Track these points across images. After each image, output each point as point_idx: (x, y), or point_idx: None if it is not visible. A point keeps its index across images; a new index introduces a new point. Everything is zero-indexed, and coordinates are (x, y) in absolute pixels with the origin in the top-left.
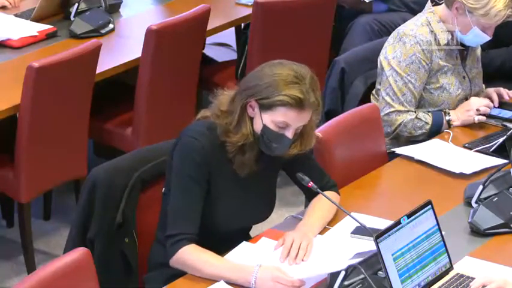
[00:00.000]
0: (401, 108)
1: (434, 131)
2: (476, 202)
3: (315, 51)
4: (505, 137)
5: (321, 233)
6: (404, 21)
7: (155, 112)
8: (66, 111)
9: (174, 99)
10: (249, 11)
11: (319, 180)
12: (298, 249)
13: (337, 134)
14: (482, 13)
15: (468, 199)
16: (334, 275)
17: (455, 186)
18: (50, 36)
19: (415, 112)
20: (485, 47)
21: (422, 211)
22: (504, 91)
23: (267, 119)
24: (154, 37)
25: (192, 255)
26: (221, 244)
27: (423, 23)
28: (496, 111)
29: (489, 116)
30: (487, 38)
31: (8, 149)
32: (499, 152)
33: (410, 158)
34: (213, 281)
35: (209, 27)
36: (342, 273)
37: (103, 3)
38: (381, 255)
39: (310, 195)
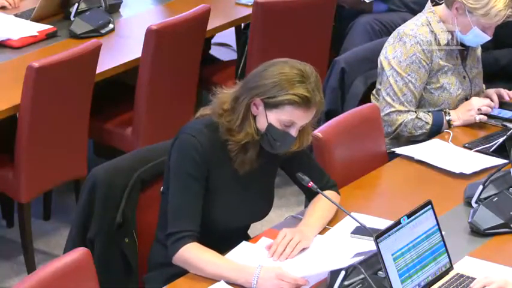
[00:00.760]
0: (401, 108)
1: (435, 131)
2: (476, 202)
3: (315, 51)
4: (505, 137)
5: (321, 233)
6: (405, 21)
7: (155, 112)
8: (66, 111)
9: (174, 99)
10: (249, 11)
11: (319, 180)
12: (286, 245)
13: (337, 134)
14: (482, 13)
15: (468, 199)
16: (334, 275)
17: (455, 186)
18: (50, 36)
19: (415, 112)
20: (488, 46)
21: (422, 211)
22: (504, 91)
23: (273, 118)
24: (154, 37)
25: (193, 254)
26: (220, 242)
27: (423, 23)
28: (496, 111)
29: (489, 116)
30: (487, 38)
31: (8, 149)
32: (499, 152)
33: (410, 158)
34: (214, 280)
35: (209, 27)
36: (342, 273)
37: (103, 3)
38: (381, 255)
39: (310, 195)
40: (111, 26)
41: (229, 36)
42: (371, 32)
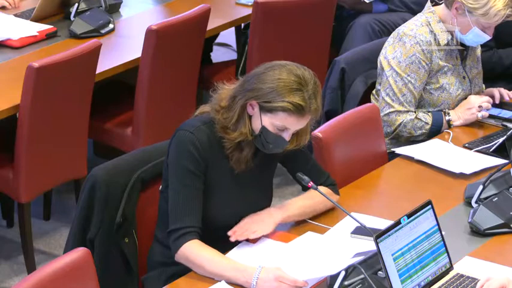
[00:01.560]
0: (401, 108)
1: (434, 131)
2: (476, 202)
3: (315, 51)
4: (505, 137)
5: (321, 233)
6: (405, 21)
7: (155, 112)
8: (66, 111)
9: (174, 99)
10: (249, 11)
11: (318, 178)
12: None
13: (337, 134)
14: (481, 13)
15: (468, 199)
16: (334, 275)
17: (455, 186)
18: (50, 36)
19: (415, 112)
20: (491, 46)
21: (422, 211)
22: (504, 91)
23: (267, 121)
24: (154, 37)
25: (195, 251)
26: (218, 240)
27: (423, 23)
28: (496, 111)
29: (489, 116)
30: (486, 37)
31: (8, 149)
32: (499, 152)
33: (410, 158)
34: (214, 280)
35: (209, 27)
36: (342, 273)
37: (103, 3)
38: (381, 255)
39: None
40: (111, 26)
41: (229, 36)
42: (371, 32)
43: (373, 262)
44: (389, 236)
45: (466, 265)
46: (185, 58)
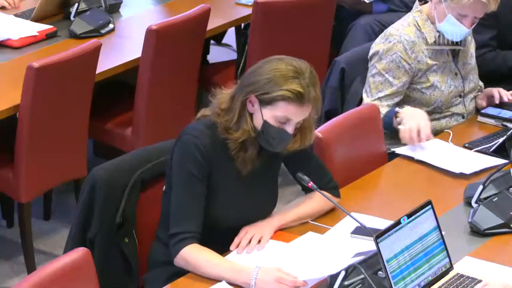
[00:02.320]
0: (374, 103)
1: (387, 123)
2: (476, 202)
3: (315, 51)
4: (505, 137)
5: (322, 233)
6: None
7: (155, 112)
8: (66, 111)
9: (174, 99)
10: (249, 11)
11: (320, 179)
12: (250, 239)
13: (337, 134)
14: None
15: (468, 199)
16: (334, 275)
17: (455, 186)
18: (50, 36)
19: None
20: (495, 47)
21: (422, 211)
22: (504, 92)
23: (268, 114)
24: (154, 37)
25: (194, 255)
26: (223, 242)
27: (410, 23)
28: (496, 111)
29: (489, 116)
30: (464, 28)
31: (8, 149)
32: (499, 152)
33: (410, 158)
34: (215, 280)
35: (209, 27)
36: (342, 273)
37: (103, 3)
38: (381, 255)
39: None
40: (111, 26)
41: (229, 36)
42: (371, 32)
43: (373, 262)
44: (389, 236)
45: (466, 265)
46: (185, 58)
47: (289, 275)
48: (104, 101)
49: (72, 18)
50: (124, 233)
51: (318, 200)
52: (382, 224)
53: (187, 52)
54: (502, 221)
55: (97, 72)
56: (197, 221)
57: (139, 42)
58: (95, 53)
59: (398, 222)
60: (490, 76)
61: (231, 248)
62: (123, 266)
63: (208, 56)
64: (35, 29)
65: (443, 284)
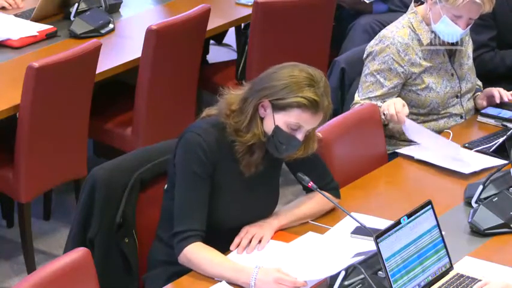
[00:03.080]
0: (362, 102)
1: None
2: (476, 202)
3: (315, 51)
4: (505, 137)
5: (322, 233)
6: None
7: (155, 112)
8: (66, 111)
9: (174, 99)
10: (249, 11)
11: (320, 179)
12: (251, 239)
13: (337, 134)
14: None
15: (468, 199)
16: (334, 275)
17: (455, 186)
18: (50, 36)
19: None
20: (493, 47)
21: (422, 211)
22: (504, 92)
23: (280, 120)
24: (154, 37)
25: (196, 254)
26: (225, 242)
27: (404, 25)
28: (496, 111)
29: (489, 116)
30: (458, 29)
31: (8, 149)
32: (499, 152)
33: (410, 158)
34: (215, 280)
35: (209, 27)
36: (342, 273)
37: (103, 3)
38: (381, 255)
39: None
40: (111, 26)
41: (229, 36)
42: (371, 32)
43: (373, 262)
44: (389, 236)
45: (466, 265)
46: (185, 58)
47: (289, 275)
48: (104, 101)
49: (72, 18)
50: (124, 233)
51: (318, 200)
52: (382, 224)
53: (187, 52)
54: (502, 221)
55: (97, 72)
56: (201, 219)
57: (139, 42)
58: (95, 53)
59: (398, 222)
60: (489, 76)
61: (231, 247)
62: (123, 266)
63: (208, 56)
64: (35, 29)
65: (443, 284)
